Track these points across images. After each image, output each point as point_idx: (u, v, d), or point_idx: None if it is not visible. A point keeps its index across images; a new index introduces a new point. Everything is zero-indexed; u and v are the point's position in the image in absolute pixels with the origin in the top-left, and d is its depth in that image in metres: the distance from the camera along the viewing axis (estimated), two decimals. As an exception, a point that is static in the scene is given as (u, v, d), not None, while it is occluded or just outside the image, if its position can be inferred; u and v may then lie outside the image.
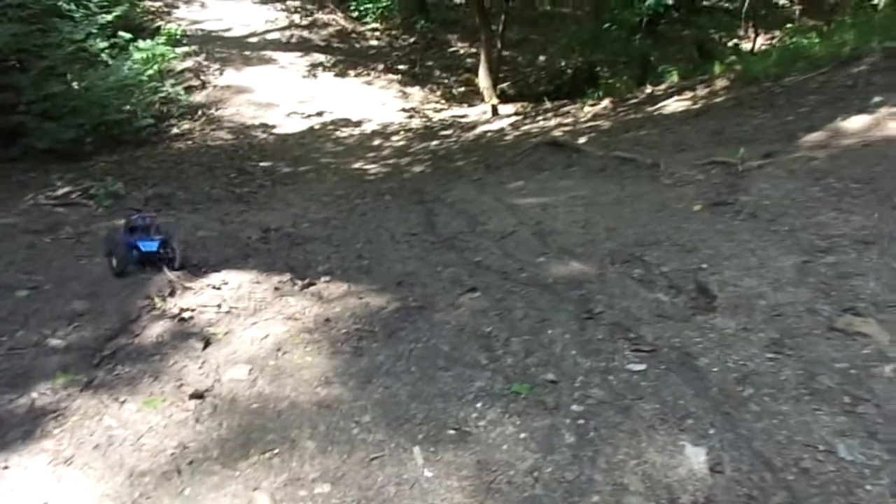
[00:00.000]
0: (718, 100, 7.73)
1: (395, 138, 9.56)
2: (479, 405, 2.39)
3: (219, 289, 3.41)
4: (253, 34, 12.66)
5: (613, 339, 2.75)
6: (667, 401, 2.38)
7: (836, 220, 3.77)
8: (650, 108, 8.37)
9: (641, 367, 2.55)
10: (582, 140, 7.67)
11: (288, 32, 13.09)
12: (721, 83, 8.22)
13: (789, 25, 12.70)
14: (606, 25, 10.48)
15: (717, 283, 3.13)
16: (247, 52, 11.66)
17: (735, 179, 4.87)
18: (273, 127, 9.56)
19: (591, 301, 3.06)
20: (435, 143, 9.22)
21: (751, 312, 2.89)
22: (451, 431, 2.28)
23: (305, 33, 13.34)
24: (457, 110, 10.96)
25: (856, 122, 5.59)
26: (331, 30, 13.74)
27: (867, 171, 4.47)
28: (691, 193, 4.87)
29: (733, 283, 3.12)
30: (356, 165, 8.31)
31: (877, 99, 6.01)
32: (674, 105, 8.13)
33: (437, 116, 10.54)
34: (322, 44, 13.05)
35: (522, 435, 2.25)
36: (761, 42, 12.24)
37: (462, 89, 12.05)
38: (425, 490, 2.08)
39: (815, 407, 2.36)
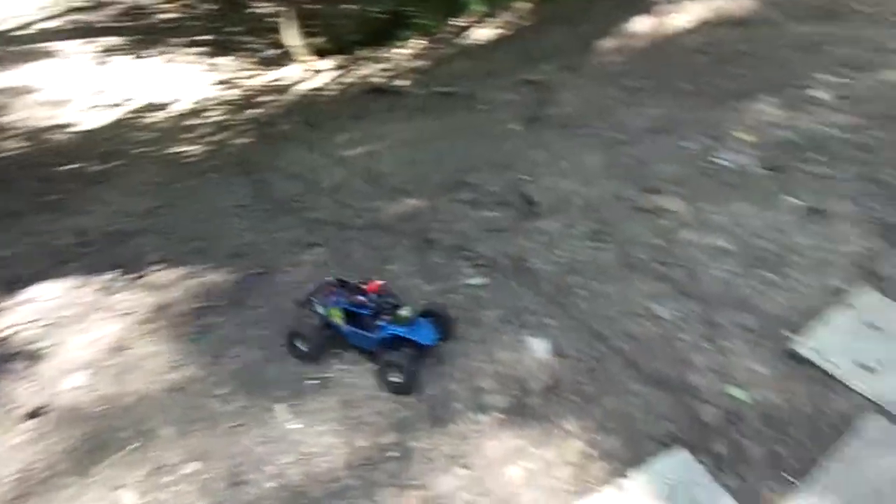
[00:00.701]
0: (521, 22, 8.02)
1: (211, 114, 9.07)
2: (334, 350, 2.43)
3: (35, 302, 3.15)
4: (23, 26, 11.34)
5: (452, 260, 2.87)
6: (507, 305, 2.54)
7: (632, 115, 4.10)
8: (461, 41, 8.54)
9: (481, 280, 2.69)
10: (400, 82, 7.71)
11: (67, 18, 11.86)
12: (524, 5, 8.52)
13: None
14: (404, -34, 10.41)
15: (537, 190, 3.33)
16: (19, 48, 10.46)
17: (544, 95, 5.11)
18: (72, 125, 8.73)
19: (426, 231, 3.16)
20: (256, 111, 8.87)
21: (569, 210, 3.12)
22: (311, 382, 2.31)
23: (88, 16, 12.16)
24: (272, 73, 10.55)
25: (642, 25, 6.03)
26: (117, 8, 12.61)
27: (655, 67, 4.88)
28: (507, 115, 5.07)
29: (551, 187, 3.33)
30: (174, 150, 7.83)
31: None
32: (483, 33, 8.34)
33: (252, 83, 10.09)
34: (111, 25, 11.97)
35: (380, 367, 2.32)
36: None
37: (274, 52, 11.60)
38: (295, 441, 2.10)
39: (634, 279, 2.64)
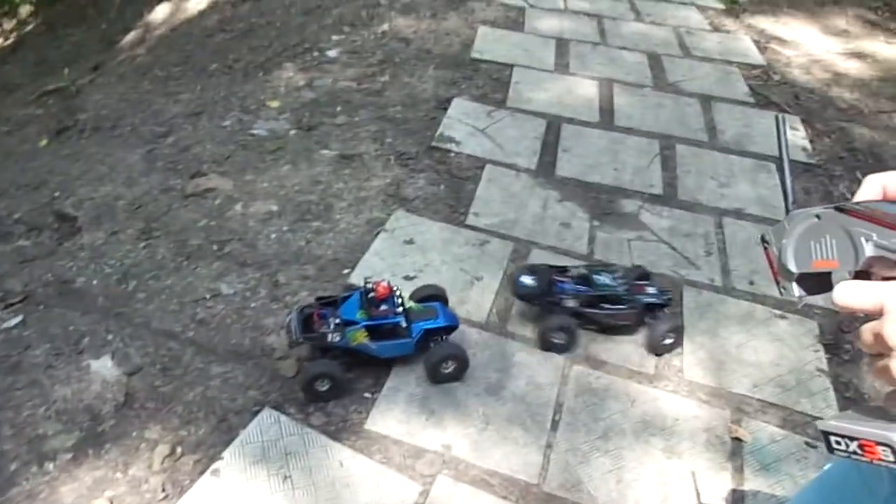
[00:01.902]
0: (29, 28, 7.08)
1: None
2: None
3: None
4: None
5: (-20, 311, 2.44)
6: (56, 335, 2.26)
7: (168, 104, 3.96)
8: (-42, 60, 7.19)
9: (17, 318, 2.34)
10: None
11: None
12: (26, 9, 7.51)
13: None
14: None
15: (73, 204, 3.00)
16: None
17: (72, 102, 4.61)
18: None
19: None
20: None
21: (114, 216, 2.89)
22: None
23: None
24: None
25: (160, 12, 5.81)
26: None
27: (182, 53, 4.76)
28: (33, 131, 4.46)
29: (90, 197, 3.04)
30: None
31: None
32: (-16, 49, 7.15)
33: None
34: None
35: None
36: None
37: None
38: None
39: (193, 266, 2.57)
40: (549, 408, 2.10)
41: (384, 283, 2.08)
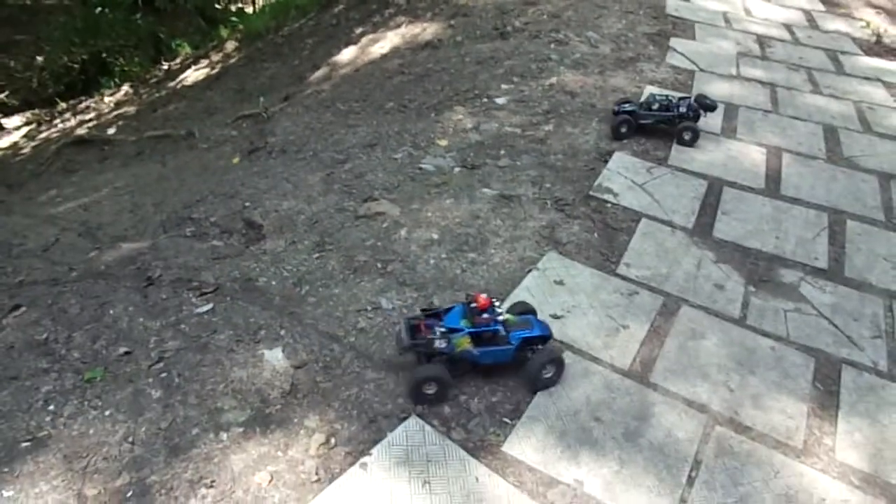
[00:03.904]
0: (233, 61, 8.00)
1: None
2: (51, 408, 2.23)
3: None
4: None
5: (178, 293, 2.80)
6: (238, 324, 2.55)
7: (347, 135, 4.34)
8: (172, 83, 8.25)
9: (209, 306, 2.66)
10: (111, 130, 7.23)
11: None
12: (231, 45, 8.50)
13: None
14: (99, 10, 9.81)
15: (260, 213, 3.37)
16: None
17: (263, 126, 5.17)
18: None
19: (147, 270, 3.03)
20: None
21: (294, 228, 3.22)
22: (25, 444, 2.09)
23: None
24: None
25: (347, 54, 6.39)
26: None
27: (363, 90, 5.20)
28: (228, 149, 5.05)
29: (275, 210, 3.40)
30: None
31: (358, 31, 6.93)
32: (194, 75, 8.16)
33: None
34: None
35: (108, 412, 2.19)
36: (261, 1, 12.86)
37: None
38: (12, 513, 1.90)
39: (359, 280, 2.80)
40: (686, 463, 2.08)
41: (484, 295, 2.26)
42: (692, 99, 3.92)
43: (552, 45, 5.11)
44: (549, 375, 2.27)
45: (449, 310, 2.32)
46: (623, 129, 3.82)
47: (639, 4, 6.08)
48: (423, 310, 2.40)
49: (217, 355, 2.41)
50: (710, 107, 3.96)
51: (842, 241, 3.20)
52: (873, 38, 5.99)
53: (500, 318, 2.27)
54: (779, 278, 2.93)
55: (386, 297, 2.70)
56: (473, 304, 2.25)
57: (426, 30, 5.87)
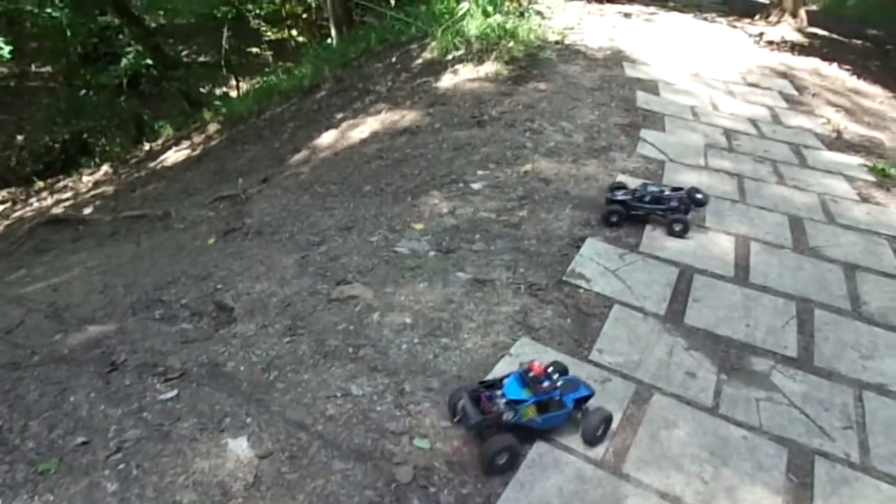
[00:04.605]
0: (214, 143, 8.13)
1: None
2: (-1, 502, 2.13)
3: None
4: None
5: (142, 379, 2.73)
6: (203, 412, 2.48)
7: (324, 217, 4.38)
8: (152, 164, 8.33)
9: (173, 392, 2.60)
10: (87, 210, 7.23)
11: None
12: (213, 127, 8.65)
13: (267, 69, 14.02)
14: (84, 92, 9.99)
15: (232, 296, 3.35)
16: None
17: (241, 208, 5.20)
18: None
19: (112, 354, 2.96)
20: None
21: (266, 311, 3.19)
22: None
23: None
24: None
25: (327, 138, 6.53)
26: None
27: (341, 173, 5.29)
28: (204, 230, 5.05)
29: (247, 292, 3.38)
30: None
31: (339, 116, 7.11)
32: (174, 156, 8.25)
33: None
34: None
35: (58, 507, 2.09)
36: (246, 87, 13.22)
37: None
38: None
39: (329, 365, 2.76)
40: (662, 561, 2.01)
41: (538, 363, 2.37)
42: (684, 192, 4.02)
43: (527, 134, 5.27)
44: (600, 434, 2.39)
45: (502, 379, 2.41)
46: (613, 219, 3.91)
47: (611, 97, 6.33)
48: (480, 382, 2.46)
49: (179, 445, 2.33)
50: (701, 202, 4.11)
51: (810, 329, 3.23)
52: (834, 134, 6.27)
53: (559, 384, 2.37)
54: (750, 366, 2.94)
55: (356, 383, 2.65)
56: (531, 373, 2.35)
57: (405, 117, 6.04)
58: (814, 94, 7.56)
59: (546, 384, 2.33)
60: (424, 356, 2.82)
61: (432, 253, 3.66)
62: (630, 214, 3.95)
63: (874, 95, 8.08)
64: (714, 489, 2.28)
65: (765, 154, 5.48)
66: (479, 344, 2.92)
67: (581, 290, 3.34)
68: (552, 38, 7.77)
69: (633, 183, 4.30)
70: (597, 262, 3.58)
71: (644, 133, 5.52)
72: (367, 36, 9.07)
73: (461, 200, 4.25)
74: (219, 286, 3.52)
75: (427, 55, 7.71)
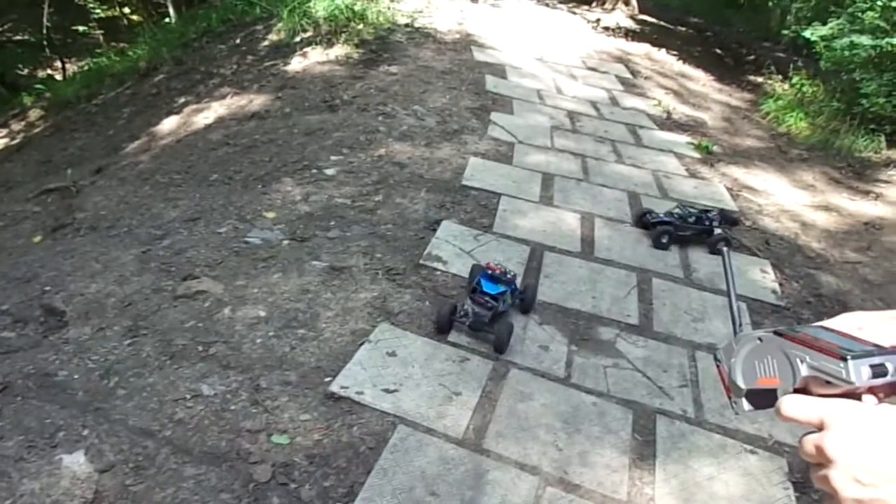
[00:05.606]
0: (37, 130, 7.37)
1: None
2: None
3: None
4: None
5: (-45, 399, 2.42)
6: (31, 428, 2.24)
7: (167, 209, 4.10)
8: (-37, 156, 7.41)
9: (-7, 409, 2.32)
10: None
11: None
12: (36, 113, 7.84)
13: (98, 50, 12.87)
14: None
15: (63, 299, 3.05)
16: None
17: (71, 201, 4.75)
18: None
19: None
20: None
21: (103, 312, 2.94)
22: None
23: None
24: None
25: (168, 124, 6.11)
26: None
27: (185, 162, 4.97)
28: (28, 227, 4.57)
29: (81, 294, 3.09)
30: None
31: (181, 100, 6.68)
32: (-11, 146, 7.39)
33: None
34: None
35: None
36: (73, 69, 12.09)
37: None
38: None
39: (177, 366, 2.59)
40: (522, 529, 2.08)
41: (493, 263, 3.09)
42: (716, 212, 4.23)
43: (380, 118, 5.23)
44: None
45: (473, 285, 3.00)
46: (664, 240, 3.97)
47: (461, 81, 6.43)
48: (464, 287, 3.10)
49: (3, 466, 2.09)
50: (735, 221, 4.39)
51: (649, 297, 3.48)
52: (664, 115, 6.77)
53: (511, 273, 3.03)
54: (598, 336, 3.11)
55: (207, 382, 2.51)
56: (495, 272, 2.97)
57: (253, 101, 5.79)
58: (646, 78, 8.12)
59: (509, 276, 2.99)
60: (280, 349, 2.72)
61: (286, 242, 3.54)
62: (679, 236, 4.04)
63: (698, 78, 8.83)
64: (568, 455, 2.39)
65: (605, 134, 5.82)
66: (338, 332, 2.86)
67: (438, 273, 3.37)
68: (402, 20, 7.74)
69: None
70: (453, 244, 3.63)
71: (494, 116, 5.66)
72: (208, 15, 8.58)
73: (315, 187, 4.14)
74: (46, 288, 3.19)
75: (274, 37, 7.42)
